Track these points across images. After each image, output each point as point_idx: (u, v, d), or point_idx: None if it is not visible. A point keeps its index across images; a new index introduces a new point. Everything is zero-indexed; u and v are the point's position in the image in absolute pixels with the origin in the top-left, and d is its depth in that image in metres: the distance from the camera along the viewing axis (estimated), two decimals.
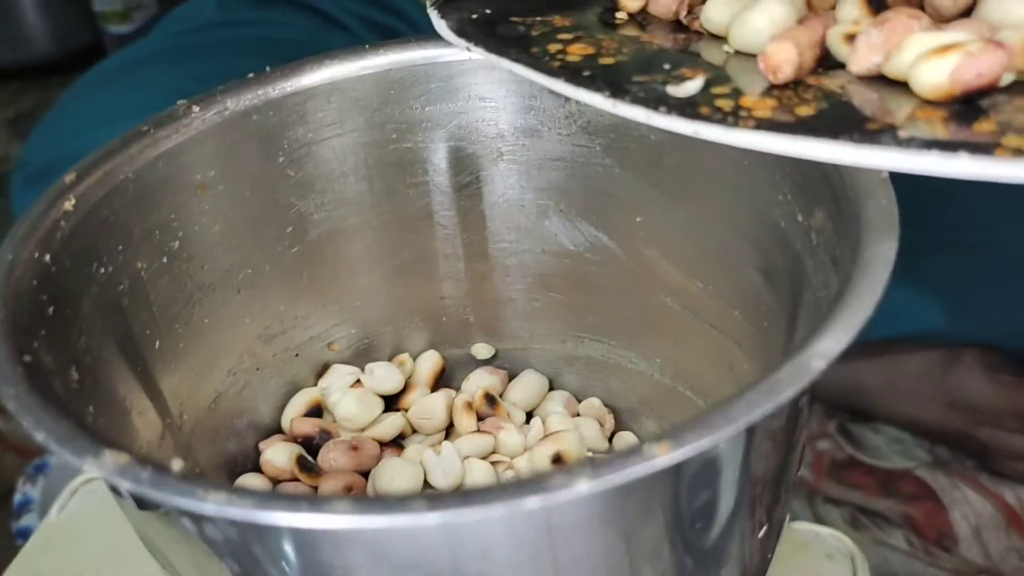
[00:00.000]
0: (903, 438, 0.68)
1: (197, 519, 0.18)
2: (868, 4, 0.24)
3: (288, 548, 0.18)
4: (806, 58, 0.23)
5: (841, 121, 0.20)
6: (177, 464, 0.17)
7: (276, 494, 0.17)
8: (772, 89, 0.22)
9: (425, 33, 0.32)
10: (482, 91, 0.34)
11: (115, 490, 0.22)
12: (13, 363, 0.21)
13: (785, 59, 0.22)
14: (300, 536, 0.18)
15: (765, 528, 0.25)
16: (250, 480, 0.33)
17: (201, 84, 0.54)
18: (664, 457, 0.17)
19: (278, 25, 0.65)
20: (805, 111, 0.21)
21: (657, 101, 0.23)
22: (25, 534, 0.62)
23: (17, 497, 0.65)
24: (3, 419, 0.76)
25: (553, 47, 0.28)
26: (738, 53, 0.25)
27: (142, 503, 0.21)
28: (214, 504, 0.16)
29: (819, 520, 0.64)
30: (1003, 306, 0.59)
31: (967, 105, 0.20)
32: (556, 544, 0.18)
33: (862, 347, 0.65)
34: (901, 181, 0.22)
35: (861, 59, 0.22)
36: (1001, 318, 0.59)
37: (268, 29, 0.64)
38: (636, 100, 0.23)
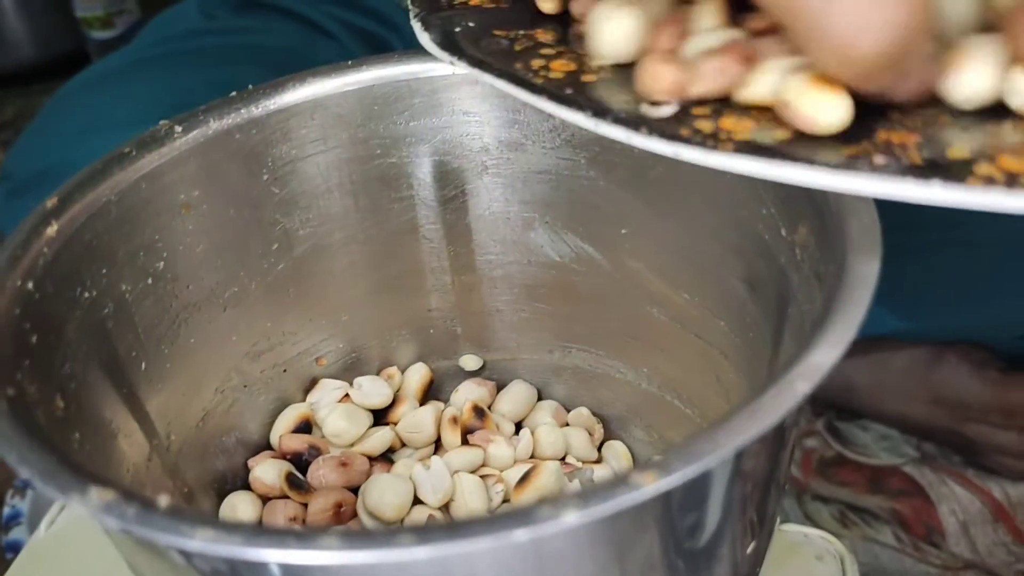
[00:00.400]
0: (891, 435, 0.68)
1: (186, 553, 0.18)
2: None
3: None
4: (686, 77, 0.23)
5: (819, 145, 0.20)
6: (164, 500, 0.17)
7: (263, 529, 0.17)
8: (750, 110, 0.22)
9: (409, 39, 0.32)
10: (466, 105, 0.34)
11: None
12: None
13: (659, 88, 0.23)
14: (289, 571, 0.18)
15: (754, 543, 0.25)
16: (239, 499, 0.33)
17: (185, 93, 0.54)
18: (651, 487, 0.17)
19: (261, 32, 0.64)
20: (783, 135, 0.21)
21: (638, 121, 0.23)
22: (14, 547, 0.62)
23: (6, 510, 0.65)
24: None
25: (536, 63, 0.28)
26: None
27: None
28: (201, 541, 0.16)
29: (808, 518, 0.64)
30: (987, 303, 0.59)
31: (934, 129, 0.21)
32: (545, 572, 0.19)
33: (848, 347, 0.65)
34: None
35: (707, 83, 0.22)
36: (986, 315, 0.60)
37: (251, 36, 0.64)
38: (618, 120, 0.23)
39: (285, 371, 0.36)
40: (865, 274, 0.21)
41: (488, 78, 0.28)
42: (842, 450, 0.69)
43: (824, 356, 0.19)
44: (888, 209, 0.23)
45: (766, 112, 0.22)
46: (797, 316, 0.25)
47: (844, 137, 0.20)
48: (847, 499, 0.66)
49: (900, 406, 0.66)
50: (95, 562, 0.39)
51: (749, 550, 0.24)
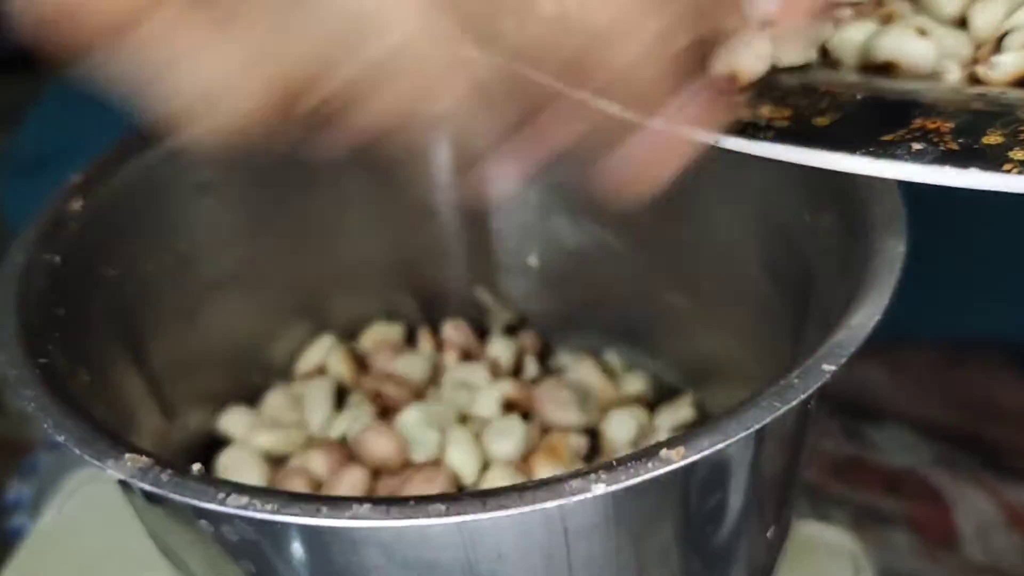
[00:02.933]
0: (906, 436, 0.68)
1: (215, 520, 0.19)
2: None
3: (305, 549, 0.19)
4: None
5: (857, 132, 0.20)
6: (196, 466, 0.17)
7: (296, 495, 0.17)
8: (787, 97, 0.22)
9: None
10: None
11: (127, 492, 0.23)
12: (30, 366, 0.21)
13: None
14: (317, 536, 0.18)
15: (773, 529, 0.25)
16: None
17: None
18: (678, 459, 0.17)
19: None
20: (822, 122, 0.21)
21: None
22: (18, 533, 0.62)
23: (9, 496, 0.65)
24: None
25: None
26: None
27: (153, 500, 0.21)
28: (234, 506, 0.16)
29: (822, 519, 0.64)
30: (1009, 303, 0.59)
31: (980, 113, 0.21)
32: (570, 545, 0.19)
33: (865, 346, 0.65)
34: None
35: None
36: (1007, 315, 0.60)
37: None
38: None
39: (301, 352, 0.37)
40: (892, 257, 0.21)
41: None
42: (857, 451, 0.68)
43: (849, 340, 0.19)
44: (910, 207, 0.23)
45: (805, 97, 0.22)
46: (820, 304, 0.25)
47: (881, 124, 0.20)
48: (862, 501, 0.66)
49: (917, 408, 0.65)
50: (104, 545, 0.40)
51: (769, 534, 0.24)
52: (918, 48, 0.22)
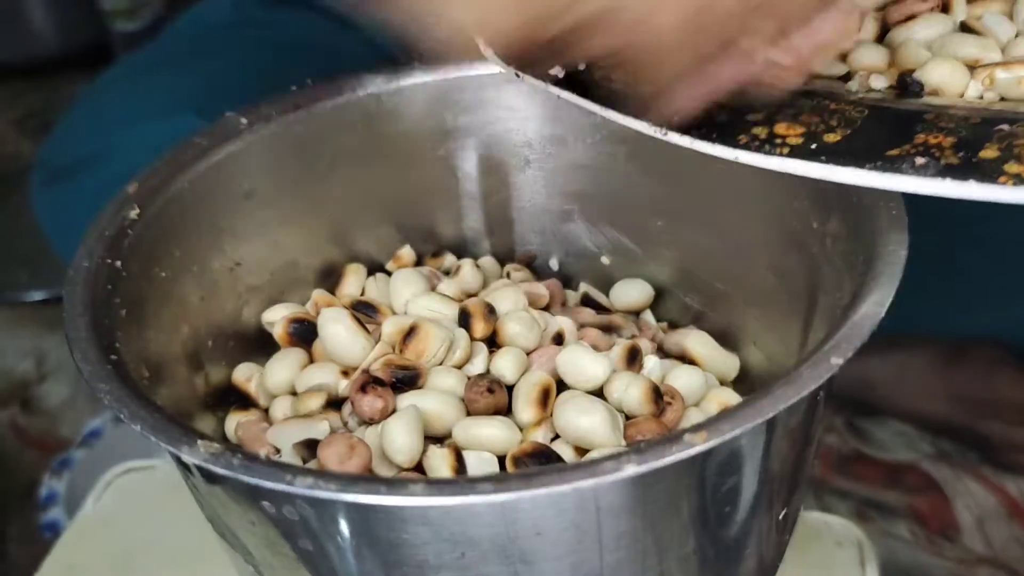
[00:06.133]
0: (908, 431, 0.69)
1: (278, 501, 0.20)
2: None
3: (359, 526, 0.20)
4: None
5: (865, 147, 0.22)
6: (264, 452, 0.19)
7: (358, 477, 0.19)
8: (800, 115, 0.24)
9: None
10: (510, 102, 0.36)
11: (188, 477, 0.24)
12: (103, 362, 0.23)
13: None
14: (371, 514, 0.20)
15: (783, 513, 0.27)
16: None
17: (218, 85, 0.56)
18: (701, 444, 0.19)
19: (293, 26, 0.66)
20: (832, 138, 0.23)
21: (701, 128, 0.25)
22: (52, 527, 0.64)
23: (43, 491, 0.67)
24: (24, 415, 0.78)
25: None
26: None
27: (216, 482, 0.22)
28: (302, 486, 0.18)
29: (826, 512, 0.66)
30: (1006, 301, 0.60)
31: (978, 128, 0.23)
32: (602, 522, 0.20)
33: (868, 343, 0.66)
34: None
35: None
36: (1005, 312, 0.61)
37: (283, 30, 0.65)
38: (679, 128, 0.25)
39: None
40: (894, 260, 0.23)
41: (553, 89, 0.29)
42: (860, 446, 0.70)
43: (856, 334, 0.21)
44: (910, 208, 0.25)
45: (817, 115, 0.24)
46: (826, 304, 0.27)
47: (887, 139, 0.22)
48: (864, 494, 0.67)
49: (918, 403, 0.66)
50: (140, 536, 0.41)
51: (780, 518, 0.26)
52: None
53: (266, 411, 0.31)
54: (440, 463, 0.25)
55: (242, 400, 0.32)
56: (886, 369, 0.66)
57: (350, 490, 0.18)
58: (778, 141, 0.23)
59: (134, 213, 0.29)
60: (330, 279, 0.37)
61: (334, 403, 0.29)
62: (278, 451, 0.27)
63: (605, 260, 0.38)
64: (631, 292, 0.37)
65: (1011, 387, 0.61)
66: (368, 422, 0.27)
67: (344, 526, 0.21)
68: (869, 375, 0.66)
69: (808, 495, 0.66)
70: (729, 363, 0.33)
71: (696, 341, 0.32)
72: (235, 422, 0.30)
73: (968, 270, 0.59)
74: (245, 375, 0.32)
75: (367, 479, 0.18)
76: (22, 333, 0.86)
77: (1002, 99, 0.26)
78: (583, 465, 0.18)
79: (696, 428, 0.19)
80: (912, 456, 0.67)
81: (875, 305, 0.21)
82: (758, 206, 0.31)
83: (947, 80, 0.26)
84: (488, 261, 0.38)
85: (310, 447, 0.27)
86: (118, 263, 0.27)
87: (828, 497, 0.66)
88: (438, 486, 0.18)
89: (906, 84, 0.26)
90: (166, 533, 0.41)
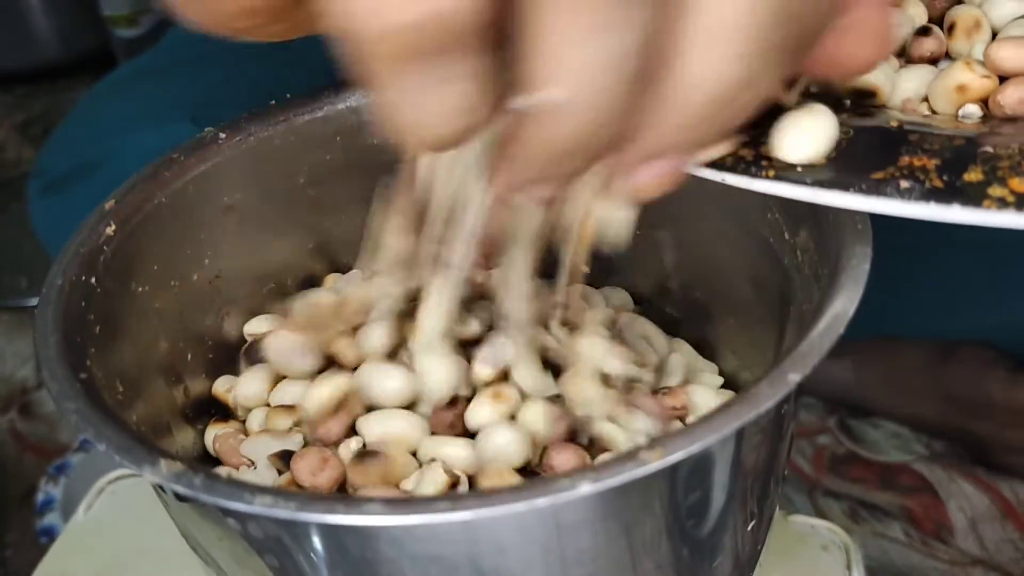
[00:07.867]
0: (901, 433, 0.69)
1: (242, 519, 0.21)
2: None
3: (324, 544, 0.21)
4: None
5: (850, 170, 0.22)
6: (224, 471, 0.19)
7: (314, 495, 0.19)
8: None
9: None
10: None
11: (160, 494, 0.25)
12: (72, 380, 0.23)
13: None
14: (335, 532, 0.20)
15: (755, 521, 0.27)
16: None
17: (215, 94, 0.56)
18: (656, 461, 0.19)
19: None
20: (818, 161, 0.23)
21: None
22: (48, 532, 0.65)
23: (40, 496, 0.68)
24: (22, 420, 0.78)
25: None
26: None
27: (184, 500, 0.23)
28: (260, 506, 0.19)
29: (819, 513, 0.66)
30: (998, 302, 0.60)
31: (962, 149, 0.23)
32: (562, 538, 0.21)
33: (860, 344, 0.67)
34: None
35: None
36: (996, 314, 0.61)
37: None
38: None
39: None
40: (857, 275, 0.23)
41: None
42: (853, 447, 0.70)
43: (813, 349, 0.21)
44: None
45: None
46: (798, 314, 0.27)
47: (872, 161, 0.22)
48: (858, 495, 0.68)
49: (911, 404, 0.67)
50: (133, 544, 0.42)
51: (751, 525, 0.26)
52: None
53: (244, 423, 0.31)
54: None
55: (223, 411, 0.33)
56: (878, 370, 0.66)
57: (308, 509, 0.18)
58: (764, 163, 0.23)
59: (110, 230, 0.29)
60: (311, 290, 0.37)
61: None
62: (253, 464, 0.28)
63: (583, 269, 0.38)
64: (611, 301, 0.37)
65: (1003, 389, 0.61)
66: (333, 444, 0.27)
67: (309, 543, 0.21)
68: (862, 376, 0.66)
69: (800, 498, 0.66)
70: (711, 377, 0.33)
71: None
72: (213, 434, 0.30)
73: (959, 272, 0.59)
74: (225, 387, 0.33)
75: (325, 498, 0.19)
76: (21, 339, 0.86)
77: (983, 117, 0.26)
78: (538, 484, 0.18)
79: (651, 445, 0.19)
80: (905, 457, 0.68)
81: (834, 322, 0.22)
82: (735, 218, 0.32)
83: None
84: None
85: (284, 459, 0.27)
86: (92, 279, 0.27)
87: (821, 498, 0.67)
88: (394, 505, 0.18)
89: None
90: (158, 540, 0.41)
